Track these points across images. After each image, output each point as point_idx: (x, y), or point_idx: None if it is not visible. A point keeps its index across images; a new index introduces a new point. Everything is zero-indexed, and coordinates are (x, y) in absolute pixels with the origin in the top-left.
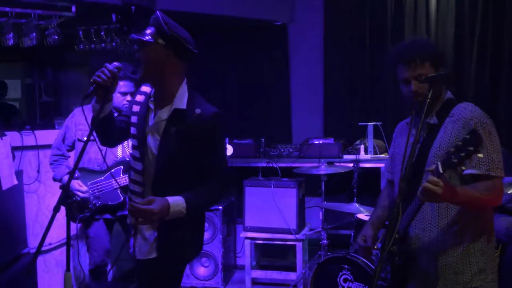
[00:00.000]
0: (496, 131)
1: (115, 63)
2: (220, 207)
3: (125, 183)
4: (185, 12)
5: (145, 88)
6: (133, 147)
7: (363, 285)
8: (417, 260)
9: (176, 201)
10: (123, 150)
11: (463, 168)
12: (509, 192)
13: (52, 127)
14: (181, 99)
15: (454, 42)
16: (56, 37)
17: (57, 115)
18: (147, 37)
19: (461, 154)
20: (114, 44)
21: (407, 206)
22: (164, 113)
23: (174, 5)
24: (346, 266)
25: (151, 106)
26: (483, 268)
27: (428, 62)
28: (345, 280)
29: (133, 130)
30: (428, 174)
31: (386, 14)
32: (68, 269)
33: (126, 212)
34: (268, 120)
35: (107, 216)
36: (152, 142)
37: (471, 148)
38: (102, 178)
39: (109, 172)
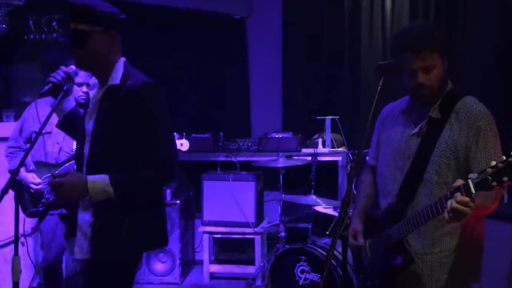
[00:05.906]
0: None
1: (72, 66)
2: (178, 201)
3: None
4: (140, 3)
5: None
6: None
7: (320, 275)
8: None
9: (98, 178)
10: None
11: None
12: None
13: (0, 119)
14: (116, 75)
15: None
16: (4, 26)
17: (5, 108)
18: (81, 37)
19: (503, 179)
20: (66, 34)
21: (404, 204)
22: (100, 93)
23: None
24: (303, 257)
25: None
26: None
27: (437, 53)
28: (303, 271)
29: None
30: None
31: (343, 7)
32: (16, 253)
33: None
34: (227, 114)
35: (63, 211)
36: (89, 125)
37: (505, 179)
38: (57, 172)
39: (63, 166)
